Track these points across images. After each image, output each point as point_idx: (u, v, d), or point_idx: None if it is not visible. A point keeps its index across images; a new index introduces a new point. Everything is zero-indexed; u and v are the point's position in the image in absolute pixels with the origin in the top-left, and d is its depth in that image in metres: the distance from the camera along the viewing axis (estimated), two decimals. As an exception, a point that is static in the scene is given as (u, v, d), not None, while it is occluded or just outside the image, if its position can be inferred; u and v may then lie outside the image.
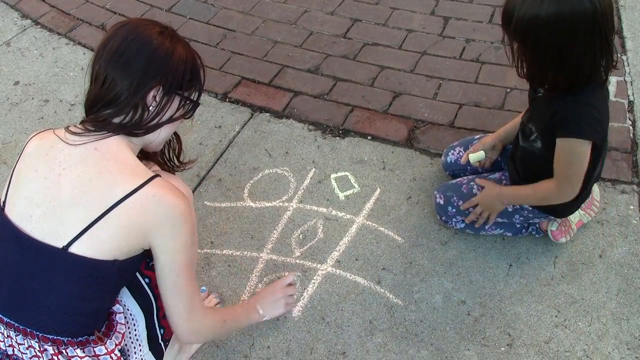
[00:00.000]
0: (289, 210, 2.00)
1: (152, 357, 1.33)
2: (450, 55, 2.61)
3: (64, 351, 1.16)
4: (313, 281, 1.79)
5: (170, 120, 1.26)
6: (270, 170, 2.15)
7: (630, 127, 2.20)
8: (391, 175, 2.10)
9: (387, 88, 2.47)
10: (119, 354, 1.23)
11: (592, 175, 1.63)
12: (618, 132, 2.17)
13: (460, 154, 1.94)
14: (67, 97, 2.52)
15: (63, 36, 2.87)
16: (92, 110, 1.20)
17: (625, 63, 2.49)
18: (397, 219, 1.95)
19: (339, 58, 2.63)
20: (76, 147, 1.16)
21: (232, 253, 1.88)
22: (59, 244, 1.10)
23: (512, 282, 1.76)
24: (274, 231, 1.94)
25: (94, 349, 1.19)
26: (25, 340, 1.16)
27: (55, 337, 1.15)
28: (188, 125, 2.28)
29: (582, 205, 1.76)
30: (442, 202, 1.83)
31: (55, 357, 1.17)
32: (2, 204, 1.19)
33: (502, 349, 1.61)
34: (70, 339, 1.16)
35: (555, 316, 1.67)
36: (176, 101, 1.25)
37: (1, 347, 1.20)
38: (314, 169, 2.14)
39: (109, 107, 1.18)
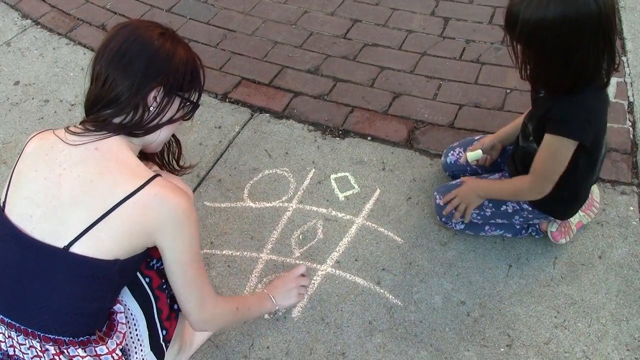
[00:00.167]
0: (289, 211, 2.00)
1: (154, 357, 1.33)
2: (450, 56, 2.61)
3: (65, 351, 1.16)
4: (313, 282, 1.79)
5: (170, 121, 1.26)
6: (270, 171, 2.15)
7: (630, 129, 2.20)
8: (391, 175, 2.10)
9: (387, 89, 2.47)
10: (120, 354, 1.23)
11: (589, 178, 1.63)
12: (618, 133, 2.17)
13: (460, 154, 1.94)
14: (67, 97, 2.52)
15: (63, 36, 2.87)
16: (92, 110, 1.20)
17: (625, 64, 2.49)
18: (397, 220, 1.95)
19: (339, 58, 2.63)
20: (76, 147, 1.16)
21: (231, 253, 1.88)
22: (60, 244, 1.10)
23: (511, 283, 1.76)
24: (274, 232, 1.94)
25: (96, 348, 1.19)
26: (27, 341, 1.16)
27: (56, 337, 1.15)
28: (188, 125, 2.28)
29: (582, 206, 1.76)
30: (442, 202, 1.82)
31: (56, 357, 1.17)
32: (2, 205, 1.19)
33: (502, 349, 1.61)
34: (71, 338, 1.16)
35: (555, 317, 1.67)
36: (176, 102, 1.25)
37: (2, 347, 1.19)
38: (313, 170, 2.14)
39: (109, 107, 1.18)
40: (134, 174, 1.16)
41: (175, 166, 1.51)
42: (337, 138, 2.27)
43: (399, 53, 2.65)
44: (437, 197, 1.85)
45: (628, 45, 2.59)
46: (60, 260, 1.11)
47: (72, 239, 1.10)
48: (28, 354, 1.18)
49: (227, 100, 2.47)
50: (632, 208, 1.93)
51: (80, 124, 1.21)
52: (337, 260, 1.84)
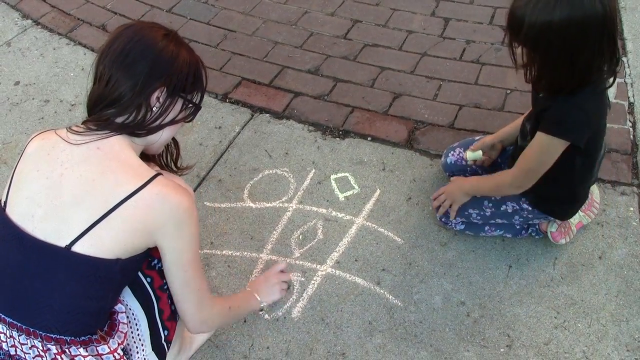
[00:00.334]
0: (289, 211, 2.00)
1: (155, 357, 1.33)
2: (450, 57, 2.61)
3: (67, 350, 1.16)
4: (313, 282, 1.79)
5: (173, 122, 1.27)
6: (270, 171, 2.15)
7: (630, 129, 2.20)
8: (391, 176, 2.10)
9: (387, 89, 2.47)
10: (121, 353, 1.23)
11: (586, 179, 1.63)
12: (618, 133, 2.17)
13: (460, 154, 1.94)
14: (67, 97, 2.53)
15: (63, 36, 2.87)
16: (95, 110, 1.20)
17: (626, 65, 2.49)
18: (397, 220, 1.95)
19: (339, 59, 2.64)
20: (78, 146, 1.16)
21: (231, 253, 1.88)
22: (62, 243, 1.11)
23: (511, 283, 1.76)
24: (274, 232, 1.94)
25: (97, 348, 1.19)
26: (28, 340, 1.16)
27: (58, 337, 1.15)
28: (188, 126, 2.27)
29: (582, 206, 1.76)
30: (432, 199, 1.83)
31: (58, 357, 1.17)
32: (3, 204, 1.19)
33: (502, 350, 1.61)
34: (73, 338, 1.16)
35: (555, 317, 1.67)
36: (179, 104, 1.26)
37: (3, 347, 1.19)
38: (313, 170, 2.14)
39: (112, 107, 1.18)
40: (135, 173, 1.16)
41: (174, 167, 1.51)
42: (337, 138, 2.27)
43: (399, 53, 2.65)
44: (437, 197, 1.85)
45: (628, 45, 2.59)
46: (61, 259, 1.11)
47: (74, 238, 1.10)
48: (30, 353, 1.18)
49: (227, 100, 2.47)
50: (632, 209, 1.93)
51: (82, 123, 1.21)
52: (337, 260, 1.84)
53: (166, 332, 1.34)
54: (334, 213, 1.99)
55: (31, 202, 1.14)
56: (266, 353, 1.62)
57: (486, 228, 1.84)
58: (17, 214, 1.15)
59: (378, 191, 2.05)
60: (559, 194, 1.63)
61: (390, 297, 1.74)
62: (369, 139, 2.26)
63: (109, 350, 1.20)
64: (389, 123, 2.31)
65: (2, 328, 1.18)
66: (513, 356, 1.59)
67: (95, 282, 1.14)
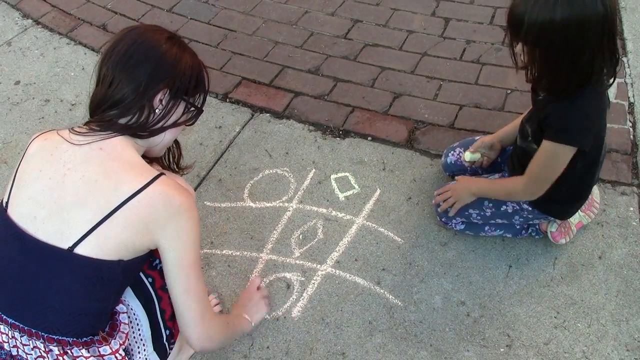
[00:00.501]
0: (289, 211, 2.00)
1: (157, 357, 1.33)
2: (450, 57, 2.61)
3: (69, 351, 1.16)
4: (313, 281, 1.79)
5: (175, 124, 1.27)
6: (271, 171, 2.15)
7: (631, 129, 2.20)
8: (391, 176, 2.11)
9: (388, 89, 2.47)
10: (123, 354, 1.23)
11: (589, 181, 1.63)
12: (618, 133, 2.17)
13: (460, 154, 1.94)
14: (67, 97, 2.53)
15: (64, 36, 2.88)
16: (97, 111, 1.21)
17: (626, 65, 2.49)
18: (397, 220, 1.95)
19: (339, 59, 2.64)
20: (81, 147, 1.16)
21: (232, 253, 1.88)
22: (64, 245, 1.10)
23: (511, 283, 1.76)
24: (274, 231, 1.94)
25: (99, 349, 1.19)
26: (30, 341, 1.16)
27: (60, 338, 1.15)
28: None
29: (582, 206, 1.76)
30: (435, 196, 1.83)
31: (60, 358, 1.17)
32: (4, 205, 1.19)
33: (502, 350, 1.61)
34: (75, 339, 1.16)
35: (555, 317, 1.67)
36: (181, 106, 1.26)
37: (5, 347, 1.19)
38: (314, 170, 2.14)
39: (114, 108, 1.19)
40: (138, 173, 1.16)
41: (175, 168, 1.52)
42: (338, 138, 2.27)
43: (399, 53, 2.65)
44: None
45: (629, 45, 2.59)
46: (64, 261, 1.11)
47: (77, 240, 1.10)
48: (32, 354, 1.18)
49: (227, 100, 2.47)
50: (632, 208, 1.93)
51: (84, 124, 1.22)
52: (337, 260, 1.85)
53: (167, 332, 1.34)
54: (334, 213, 1.99)
55: (34, 202, 1.14)
56: (266, 353, 1.62)
57: (486, 228, 1.84)
58: (19, 214, 1.15)
59: (378, 191, 2.05)
60: (560, 194, 1.63)
61: (390, 296, 1.74)
62: (369, 138, 2.26)
63: (110, 350, 1.20)
64: (389, 123, 2.31)
65: (4, 329, 1.18)
66: (513, 356, 1.59)
67: (98, 284, 1.14)
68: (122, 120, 1.20)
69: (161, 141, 1.29)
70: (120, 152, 1.17)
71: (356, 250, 1.87)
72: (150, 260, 1.27)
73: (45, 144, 1.20)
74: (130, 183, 1.13)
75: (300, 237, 1.92)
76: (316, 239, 1.91)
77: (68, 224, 1.11)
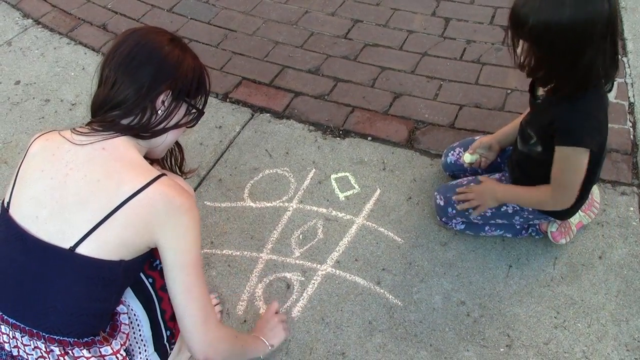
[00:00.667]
0: (289, 211, 2.00)
1: (157, 357, 1.33)
2: (450, 56, 2.61)
3: (70, 352, 1.16)
4: (313, 281, 1.79)
5: (176, 126, 1.28)
6: (271, 171, 2.15)
7: (631, 129, 2.20)
8: (391, 176, 2.11)
9: (388, 89, 2.47)
10: (124, 354, 1.23)
11: (591, 180, 1.63)
12: (618, 133, 2.17)
13: (460, 154, 1.94)
14: (68, 96, 2.53)
15: (64, 36, 2.88)
16: (99, 112, 1.21)
17: (626, 65, 2.49)
18: (397, 220, 1.95)
19: (339, 59, 2.64)
20: (83, 147, 1.16)
21: (232, 253, 1.88)
22: (66, 244, 1.11)
23: (511, 283, 1.76)
24: (274, 231, 1.94)
25: (100, 349, 1.19)
26: (32, 342, 1.16)
27: (61, 338, 1.15)
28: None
29: (582, 206, 1.76)
30: (442, 203, 1.83)
31: (61, 358, 1.17)
32: (6, 205, 1.19)
33: (502, 349, 1.61)
34: (76, 339, 1.16)
35: (555, 317, 1.67)
36: (183, 108, 1.27)
37: (6, 347, 1.19)
38: (314, 170, 2.14)
39: (117, 109, 1.19)
40: (140, 172, 1.16)
41: (178, 172, 1.52)
42: (338, 138, 2.27)
43: (399, 53, 2.65)
44: (438, 197, 1.85)
45: (629, 45, 2.59)
46: (66, 261, 1.11)
47: (78, 239, 1.10)
48: (32, 354, 1.18)
49: (227, 100, 2.47)
50: (632, 208, 1.93)
51: (86, 124, 1.22)
52: (337, 260, 1.85)
53: (168, 333, 1.34)
54: (334, 213, 1.99)
55: (35, 202, 1.14)
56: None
57: (486, 228, 1.84)
58: (21, 214, 1.15)
59: (378, 191, 2.05)
60: None
61: (390, 296, 1.74)
62: (369, 138, 2.26)
63: (111, 351, 1.20)
64: (389, 123, 2.31)
65: (5, 329, 1.18)
66: (513, 356, 1.59)
67: (99, 284, 1.14)
68: (125, 121, 1.20)
69: (163, 142, 1.29)
70: (122, 152, 1.18)
71: (356, 250, 1.87)
72: (151, 261, 1.27)
73: (47, 144, 1.20)
74: (132, 182, 1.14)
75: (300, 237, 1.92)
76: (316, 239, 1.91)
77: (70, 223, 1.11)
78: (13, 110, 2.47)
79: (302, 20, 2.88)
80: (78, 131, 1.18)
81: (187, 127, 1.34)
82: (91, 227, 1.11)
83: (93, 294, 1.15)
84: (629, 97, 2.33)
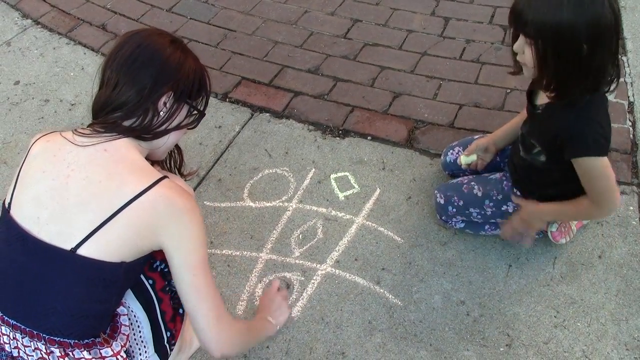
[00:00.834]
0: (289, 211, 2.00)
1: (158, 358, 1.33)
2: (450, 56, 2.61)
3: (70, 353, 1.16)
4: (312, 281, 1.79)
5: (178, 127, 1.28)
6: (270, 171, 2.15)
7: (630, 128, 2.20)
8: (391, 175, 2.11)
9: (387, 88, 2.47)
10: (124, 356, 1.23)
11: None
12: (618, 133, 2.17)
13: (460, 153, 1.94)
14: (67, 96, 2.53)
15: (63, 36, 2.88)
16: (101, 114, 1.22)
17: (626, 64, 2.49)
18: (397, 220, 1.95)
19: (339, 58, 2.64)
20: (85, 148, 1.16)
21: (231, 253, 1.88)
22: (67, 246, 1.10)
23: (511, 283, 1.76)
24: (274, 231, 1.94)
25: (100, 351, 1.19)
26: (32, 343, 1.16)
27: (62, 340, 1.15)
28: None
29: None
30: (442, 201, 1.83)
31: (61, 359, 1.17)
32: (7, 206, 1.19)
33: (501, 349, 1.61)
34: (76, 341, 1.16)
35: (555, 317, 1.67)
36: (184, 109, 1.28)
37: (6, 349, 1.19)
38: (313, 169, 2.14)
39: (119, 111, 1.20)
40: (142, 174, 1.16)
41: (177, 173, 1.52)
42: (337, 138, 2.27)
43: (399, 53, 2.65)
44: (438, 195, 1.84)
45: (628, 45, 2.59)
46: (66, 262, 1.11)
47: (79, 241, 1.10)
48: (33, 355, 1.17)
49: (227, 100, 2.47)
50: (631, 208, 1.93)
51: (88, 126, 1.22)
52: (336, 259, 1.85)
53: (169, 334, 1.34)
54: (333, 212, 1.99)
55: (37, 203, 1.14)
56: (266, 352, 1.62)
57: (486, 227, 1.84)
58: (22, 215, 1.15)
59: (378, 190, 2.05)
60: (562, 197, 1.63)
61: (390, 296, 1.74)
62: (369, 138, 2.26)
63: (112, 352, 1.20)
64: (388, 122, 2.31)
65: (6, 330, 1.17)
66: (513, 355, 1.59)
67: (100, 285, 1.14)
68: (127, 123, 1.20)
69: (164, 143, 1.30)
70: (124, 154, 1.18)
71: (356, 250, 1.87)
72: (151, 262, 1.27)
73: (49, 145, 1.20)
74: (134, 185, 1.14)
75: (300, 236, 1.92)
76: (316, 239, 1.91)
77: (71, 225, 1.11)
78: (12, 110, 2.47)
79: (302, 20, 2.88)
80: (80, 132, 1.18)
81: (188, 129, 1.35)
82: (93, 228, 1.11)
83: (94, 295, 1.15)
84: (628, 97, 2.33)
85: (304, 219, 1.97)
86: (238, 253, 1.88)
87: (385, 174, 2.11)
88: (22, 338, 1.16)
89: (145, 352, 1.30)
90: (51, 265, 1.12)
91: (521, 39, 1.38)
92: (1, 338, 1.19)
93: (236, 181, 2.11)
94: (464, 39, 2.70)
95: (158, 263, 1.27)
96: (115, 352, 1.20)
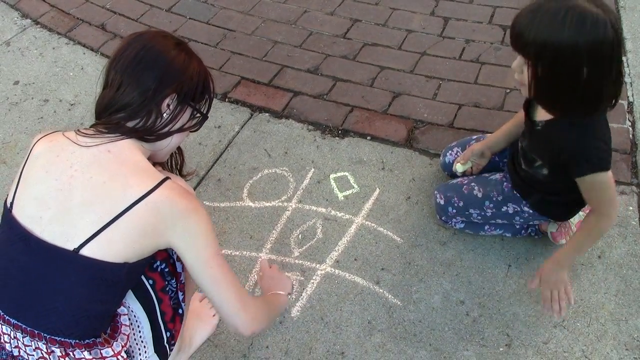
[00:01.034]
0: (288, 210, 2.00)
1: (157, 358, 1.33)
2: (449, 56, 2.61)
3: (71, 353, 1.16)
4: (312, 281, 1.79)
5: (181, 129, 1.29)
6: (270, 170, 2.15)
7: (630, 128, 2.20)
8: (390, 175, 2.10)
9: (387, 88, 2.47)
10: (125, 356, 1.23)
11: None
12: (617, 133, 2.17)
13: (459, 154, 1.94)
14: (66, 96, 2.53)
15: (63, 36, 2.87)
16: (104, 114, 1.22)
17: (626, 64, 2.49)
18: (396, 219, 1.95)
19: (338, 58, 2.64)
20: (88, 149, 1.16)
21: (231, 253, 1.88)
22: (70, 246, 1.10)
23: (511, 283, 1.76)
24: (273, 231, 1.94)
25: (101, 351, 1.19)
26: (33, 342, 1.16)
27: (63, 339, 1.15)
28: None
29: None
30: (442, 202, 1.83)
31: (62, 359, 1.17)
32: (9, 205, 1.19)
33: (501, 349, 1.61)
34: (77, 341, 1.16)
35: (554, 316, 1.67)
36: (188, 112, 1.28)
37: (7, 348, 1.19)
38: (313, 169, 2.14)
39: (122, 111, 1.20)
40: (145, 176, 1.17)
41: (178, 174, 1.53)
42: (337, 138, 2.27)
43: (398, 53, 2.65)
44: (438, 196, 1.84)
45: (628, 45, 2.59)
46: (69, 262, 1.11)
47: (83, 241, 1.10)
48: (33, 355, 1.17)
49: (226, 99, 2.47)
50: (631, 208, 1.93)
51: (91, 126, 1.22)
52: (336, 259, 1.84)
53: (168, 334, 1.34)
54: (333, 212, 1.99)
55: (40, 203, 1.14)
56: (265, 352, 1.62)
57: (486, 227, 1.84)
58: (24, 215, 1.15)
59: (377, 190, 2.05)
60: (561, 201, 1.63)
61: (390, 296, 1.74)
62: (369, 138, 2.26)
63: (112, 353, 1.20)
64: (388, 122, 2.31)
65: (6, 329, 1.17)
66: (512, 355, 1.59)
67: (102, 286, 1.14)
68: (130, 124, 1.21)
69: (167, 145, 1.30)
70: (127, 155, 1.18)
71: (355, 250, 1.87)
72: (151, 262, 1.26)
73: (51, 145, 1.20)
74: (137, 187, 1.14)
75: (300, 236, 1.92)
76: (315, 239, 1.91)
77: (74, 225, 1.11)
78: (12, 110, 2.47)
79: (301, 19, 2.88)
80: (83, 133, 1.18)
81: (191, 131, 1.35)
82: (96, 229, 1.11)
83: (95, 295, 1.15)
84: (628, 97, 2.33)
85: (303, 219, 1.97)
86: (237, 253, 1.88)
87: (384, 173, 2.11)
88: (22, 337, 1.16)
89: (145, 352, 1.30)
90: (53, 265, 1.12)
91: (520, 58, 1.36)
92: (2, 337, 1.19)
93: (235, 181, 2.11)
94: (463, 39, 2.70)
95: (158, 263, 1.27)
96: (115, 352, 1.20)
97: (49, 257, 1.12)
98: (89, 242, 1.10)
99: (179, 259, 1.30)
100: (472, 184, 1.80)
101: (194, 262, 1.21)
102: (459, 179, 1.87)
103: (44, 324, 1.14)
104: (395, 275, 1.79)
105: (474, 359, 1.59)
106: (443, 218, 1.86)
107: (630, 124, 2.22)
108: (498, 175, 1.81)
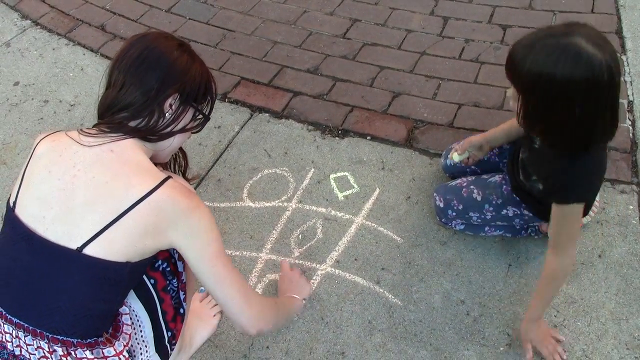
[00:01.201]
0: (288, 211, 2.00)
1: (159, 358, 1.33)
2: (449, 56, 2.61)
3: (72, 352, 1.16)
4: (312, 281, 1.79)
5: (183, 130, 1.30)
6: (270, 171, 2.15)
7: (630, 127, 2.20)
8: (390, 175, 2.10)
9: (387, 88, 2.47)
10: (127, 355, 1.23)
11: (594, 193, 1.59)
12: (618, 132, 2.14)
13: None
14: (66, 97, 2.53)
15: (63, 37, 2.88)
16: (106, 114, 1.22)
17: (625, 63, 2.48)
18: (396, 219, 1.95)
19: (338, 58, 2.64)
20: (91, 148, 1.17)
21: (231, 253, 1.88)
22: (73, 245, 1.11)
23: (511, 282, 1.76)
24: (273, 231, 1.94)
25: (103, 350, 1.19)
26: (35, 341, 1.16)
27: (65, 339, 1.15)
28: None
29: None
30: (441, 204, 1.82)
31: (63, 359, 1.17)
32: (12, 205, 1.19)
33: (501, 348, 1.61)
34: (79, 340, 1.16)
35: (555, 316, 1.67)
36: (190, 112, 1.29)
37: (8, 347, 1.19)
38: (313, 169, 2.14)
39: (125, 111, 1.20)
40: (147, 176, 1.17)
41: (181, 177, 1.53)
42: (337, 138, 2.27)
43: (398, 52, 2.65)
44: (437, 198, 1.84)
45: (628, 44, 2.59)
46: (72, 262, 1.11)
47: (85, 240, 1.10)
48: (35, 354, 1.17)
49: (226, 100, 2.47)
50: (631, 207, 1.93)
51: (93, 126, 1.23)
52: (336, 259, 1.84)
53: (169, 334, 1.34)
54: (333, 212, 1.99)
55: (42, 203, 1.14)
56: (265, 352, 1.62)
57: (486, 228, 1.84)
58: (27, 215, 1.15)
59: (377, 190, 2.05)
60: None
61: (390, 296, 1.74)
62: (368, 138, 2.26)
63: (114, 352, 1.20)
64: (388, 122, 2.31)
65: (8, 328, 1.18)
66: (513, 355, 1.59)
67: (105, 285, 1.14)
68: (132, 123, 1.21)
69: (169, 145, 1.31)
70: (130, 154, 1.19)
71: (355, 250, 1.87)
72: (153, 262, 1.27)
73: (54, 145, 1.20)
74: (140, 186, 1.14)
75: (300, 236, 1.92)
76: (315, 239, 1.91)
77: (77, 225, 1.12)
78: (12, 111, 2.47)
79: (301, 19, 2.88)
80: (85, 132, 1.19)
81: (193, 132, 1.36)
82: (99, 229, 1.11)
83: (98, 295, 1.15)
84: (628, 96, 2.33)
85: (303, 219, 1.97)
86: (238, 253, 1.88)
87: (384, 173, 2.11)
88: (24, 336, 1.16)
89: (147, 351, 1.30)
90: (56, 264, 1.12)
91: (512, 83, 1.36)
92: (4, 336, 1.19)
93: (235, 181, 2.11)
94: (463, 39, 2.70)
95: (160, 262, 1.27)
96: (117, 351, 1.20)
97: (52, 257, 1.12)
98: (91, 241, 1.10)
99: (180, 259, 1.30)
100: (471, 186, 1.79)
101: (197, 261, 1.21)
102: (458, 181, 1.86)
103: (47, 323, 1.14)
104: (395, 275, 1.79)
105: (475, 359, 1.59)
106: (443, 220, 1.86)
107: (630, 122, 2.22)
108: (497, 178, 1.81)
